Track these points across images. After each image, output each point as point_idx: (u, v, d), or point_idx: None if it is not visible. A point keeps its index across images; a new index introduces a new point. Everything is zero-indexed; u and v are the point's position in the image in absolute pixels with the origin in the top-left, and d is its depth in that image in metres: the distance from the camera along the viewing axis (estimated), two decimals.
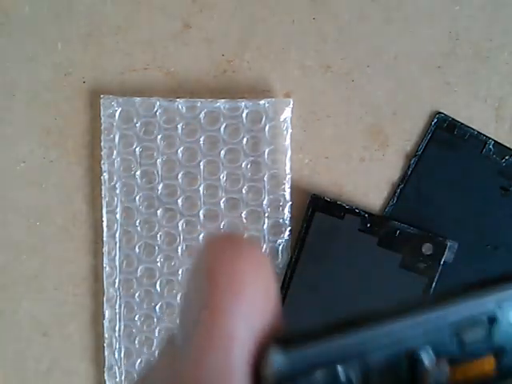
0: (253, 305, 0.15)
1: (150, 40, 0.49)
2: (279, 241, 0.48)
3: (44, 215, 0.50)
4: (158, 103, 0.48)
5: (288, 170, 0.47)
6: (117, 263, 0.49)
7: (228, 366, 0.14)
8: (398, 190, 0.48)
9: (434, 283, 0.45)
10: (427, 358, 0.14)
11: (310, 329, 0.15)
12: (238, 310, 0.15)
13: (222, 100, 0.47)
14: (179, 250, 0.48)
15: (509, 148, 0.47)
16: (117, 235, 0.48)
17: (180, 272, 0.49)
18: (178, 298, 0.49)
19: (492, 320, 0.14)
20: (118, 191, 0.48)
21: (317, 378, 0.14)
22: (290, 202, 0.48)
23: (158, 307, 0.49)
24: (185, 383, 0.15)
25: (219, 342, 0.14)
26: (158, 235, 0.48)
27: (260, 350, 0.15)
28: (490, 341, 0.14)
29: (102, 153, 0.48)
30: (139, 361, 0.49)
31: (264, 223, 0.48)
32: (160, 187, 0.48)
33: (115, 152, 0.48)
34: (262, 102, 0.47)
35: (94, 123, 0.49)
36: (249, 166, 0.48)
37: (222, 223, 0.48)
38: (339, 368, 0.14)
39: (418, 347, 0.14)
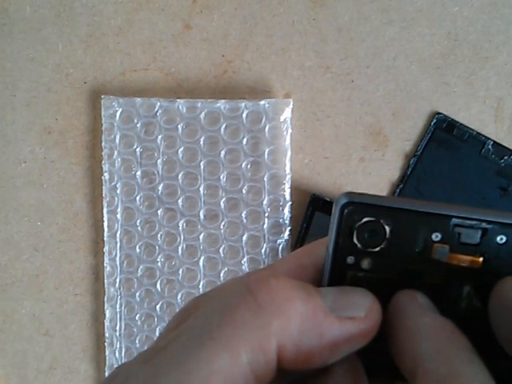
0: None
1: (150, 40, 0.49)
2: (279, 240, 0.48)
3: (45, 215, 0.50)
4: (158, 104, 0.48)
5: (288, 170, 0.48)
6: (117, 263, 0.49)
7: None
8: (398, 190, 0.48)
9: None
10: (436, 238, 0.20)
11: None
12: None
13: (223, 100, 0.47)
14: (179, 250, 0.49)
15: (508, 148, 0.47)
16: (117, 235, 0.49)
17: (180, 272, 0.49)
18: (179, 297, 0.49)
19: (484, 232, 0.19)
20: (118, 191, 0.48)
21: (365, 223, 0.20)
22: (290, 202, 0.48)
23: (158, 306, 0.49)
24: None
25: None
26: (159, 235, 0.49)
27: None
28: (479, 246, 0.19)
29: (103, 153, 0.48)
30: None
31: (264, 223, 0.48)
32: (160, 187, 0.48)
33: (116, 152, 0.48)
34: (262, 102, 0.47)
35: (94, 123, 0.49)
36: (249, 166, 0.48)
37: (222, 223, 0.48)
38: (382, 220, 0.20)
39: (433, 231, 0.19)
